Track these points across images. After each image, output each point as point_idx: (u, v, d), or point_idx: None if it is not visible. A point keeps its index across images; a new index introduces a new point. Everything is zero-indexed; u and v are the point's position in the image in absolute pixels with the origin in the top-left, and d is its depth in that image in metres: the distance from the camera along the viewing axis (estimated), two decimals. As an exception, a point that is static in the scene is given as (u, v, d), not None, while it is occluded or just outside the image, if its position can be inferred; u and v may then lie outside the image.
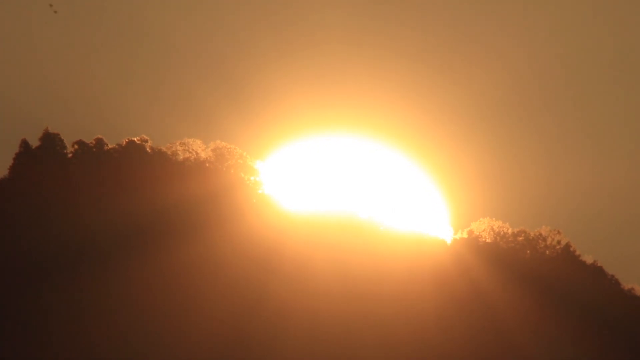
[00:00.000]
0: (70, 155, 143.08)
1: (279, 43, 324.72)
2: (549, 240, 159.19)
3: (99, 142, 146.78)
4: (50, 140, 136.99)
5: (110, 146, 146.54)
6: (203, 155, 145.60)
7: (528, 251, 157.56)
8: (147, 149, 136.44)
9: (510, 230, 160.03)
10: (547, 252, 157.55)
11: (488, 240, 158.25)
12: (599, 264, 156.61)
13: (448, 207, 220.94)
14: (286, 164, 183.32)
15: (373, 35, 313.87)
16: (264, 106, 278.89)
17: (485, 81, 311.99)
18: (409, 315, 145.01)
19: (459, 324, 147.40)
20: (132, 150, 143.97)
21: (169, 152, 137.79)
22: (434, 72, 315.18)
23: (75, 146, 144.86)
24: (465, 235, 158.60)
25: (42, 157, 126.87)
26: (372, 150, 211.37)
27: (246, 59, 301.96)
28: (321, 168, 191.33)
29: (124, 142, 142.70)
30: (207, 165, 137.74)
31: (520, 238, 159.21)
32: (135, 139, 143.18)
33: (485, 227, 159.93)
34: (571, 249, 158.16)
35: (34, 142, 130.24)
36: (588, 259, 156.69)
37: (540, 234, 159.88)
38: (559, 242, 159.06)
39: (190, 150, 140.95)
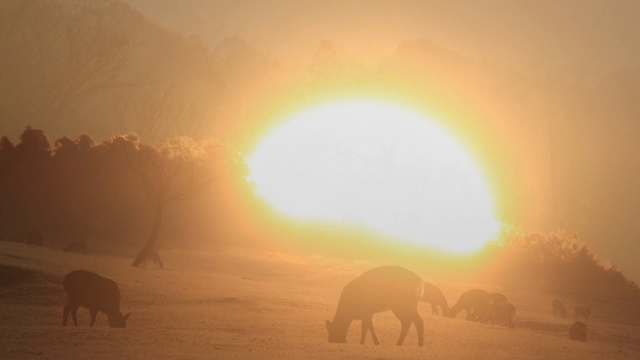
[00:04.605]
0: (53, 153, 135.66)
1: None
2: (564, 245, 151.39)
3: (85, 140, 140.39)
4: (32, 138, 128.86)
5: (96, 144, 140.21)
6: (195, 153, 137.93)
7: (542, 256, 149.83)
8: (136, 147, 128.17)
9: (522, 234, 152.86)
10: (562, 257, 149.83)
11: (499, 245, 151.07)
12: (617, 270, 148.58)
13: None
14: (284, 145, 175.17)
15: None
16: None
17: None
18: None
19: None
20: (120, 148, 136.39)
21: (159, 150, 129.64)
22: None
23: (59, 144, 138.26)
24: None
25: (24, 155, 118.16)
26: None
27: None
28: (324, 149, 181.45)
29: (112, 140, 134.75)
30: (199, 164, 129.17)
31: (534, 242, 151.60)
32: (124, 137, 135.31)
33: (496, 231, 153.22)
34: (588, 254, 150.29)
35: (15, 140, 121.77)
36: (606, 264, 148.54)
37: (555, 238, 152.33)
38: (575, 247, 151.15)
39: (182, 148, 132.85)
